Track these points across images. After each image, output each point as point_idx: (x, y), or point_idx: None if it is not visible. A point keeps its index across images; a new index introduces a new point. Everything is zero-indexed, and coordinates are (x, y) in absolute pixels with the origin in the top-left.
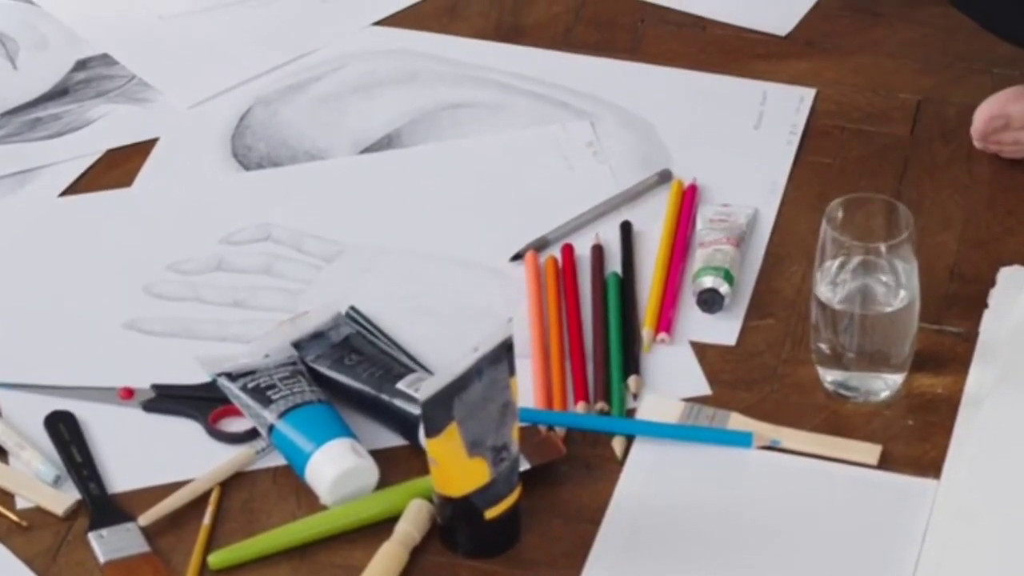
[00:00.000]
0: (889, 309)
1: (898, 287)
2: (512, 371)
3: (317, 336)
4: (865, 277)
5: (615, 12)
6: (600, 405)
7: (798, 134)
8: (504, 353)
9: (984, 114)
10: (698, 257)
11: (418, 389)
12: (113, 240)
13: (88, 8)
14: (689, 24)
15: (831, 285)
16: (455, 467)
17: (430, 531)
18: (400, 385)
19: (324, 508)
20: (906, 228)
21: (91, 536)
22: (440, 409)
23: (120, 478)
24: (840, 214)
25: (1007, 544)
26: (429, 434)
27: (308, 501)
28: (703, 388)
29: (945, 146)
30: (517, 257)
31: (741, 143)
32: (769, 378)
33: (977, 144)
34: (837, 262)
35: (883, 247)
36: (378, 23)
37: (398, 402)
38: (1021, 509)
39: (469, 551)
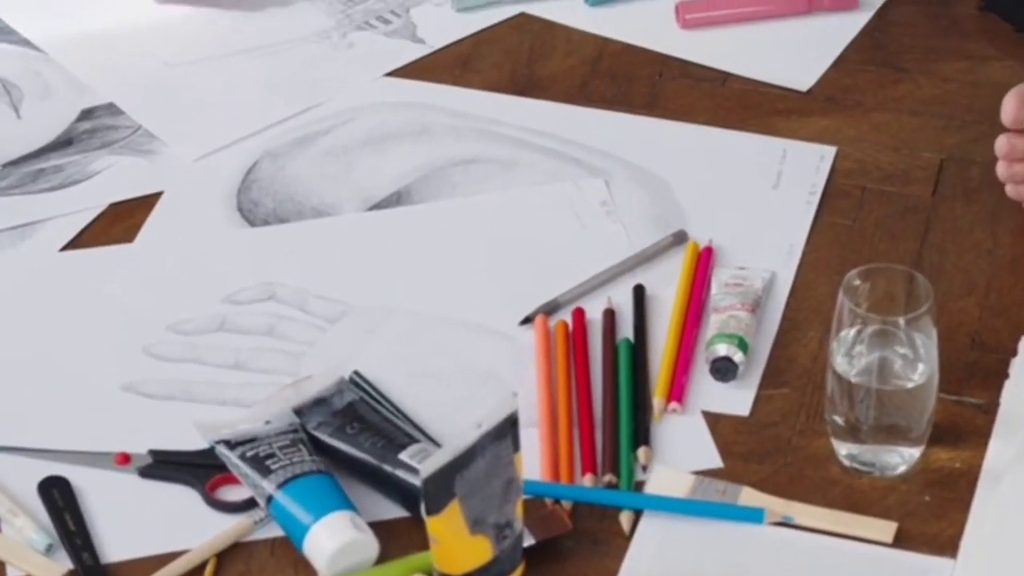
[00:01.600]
0: (908, 384)
1: (916, 360)
2: (517, 447)
3: (319, 402)
4: (883, 349)
5: (633, 65)
6: (608, 477)
7: (817, 194)
8: (509, 428)
9: (1018, 96)
10: (712, 323)
11: (421, 461)
12: (113, 298)
13: (95, 55)
14: (709, 78)
15: (847, 356)
16: (456, 545)
17: None
18: (403, 456)
19: None
20: (926, 301)
21: None
22: (441, 487)
23: (114, 547)
24: (858, 284)
25: None
26: (430, 512)
27: (307, 574)
28: (715, 460)
29: (968, 207)
30: (527, 321)
31: (759, 203)
32: (783, 450)
33: (1002, 155)
34: (854, 331)
35: (902, 320)
36: (390, 74)
37: (400, 473)
38: None
39: None
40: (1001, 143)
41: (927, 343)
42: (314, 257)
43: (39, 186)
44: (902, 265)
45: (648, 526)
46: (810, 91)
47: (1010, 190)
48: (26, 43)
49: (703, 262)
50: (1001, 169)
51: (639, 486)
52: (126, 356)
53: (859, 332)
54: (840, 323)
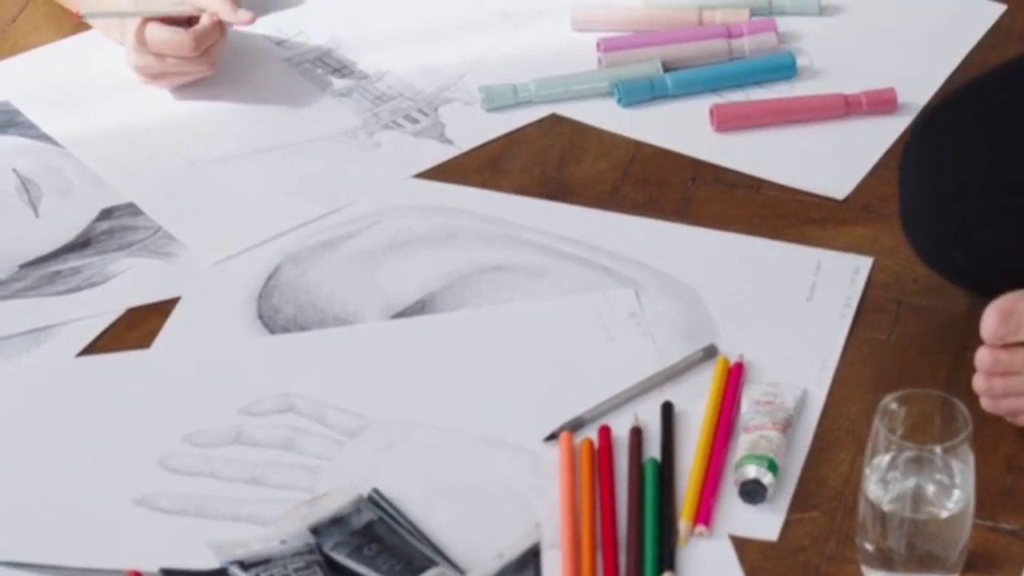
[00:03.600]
0: (943, 513)
1: (952, 487)
2: None
3: (337, 521)
4: (918, 475)
5: (665, 170)
6: None
7: (852, 307)
8: (531, 559)
9: (998, 312)
10: (741, 443)
11: None
12: (129, 406)
13: (117, 151)
14: (743, 184)
15: (881, 483)
16: None
17: None
18: None
19: None
20: (964, 428)
21: None
22: None
23: None
24: (894, 409)
25: None
26: None
27: None
28: None
29: None
30: (552, 437)
31: (792, 316)
32: None
33: (983, 368)
34: (888, 458)
35: (939, 449)
36: (417, 176)
37: None
38: None
39: None
40: (984, 356)
41: (964, 470)
42: (334, 367)
43: (55, 288)
44: (938, 388)
45: None
46: (847, 199)
47: (986, 404)
48: (47, 138)
49: (733, 378)
50: (979, 382)
51: None
52: (140, 468)
53: (894, 458)
54: (874, 449)
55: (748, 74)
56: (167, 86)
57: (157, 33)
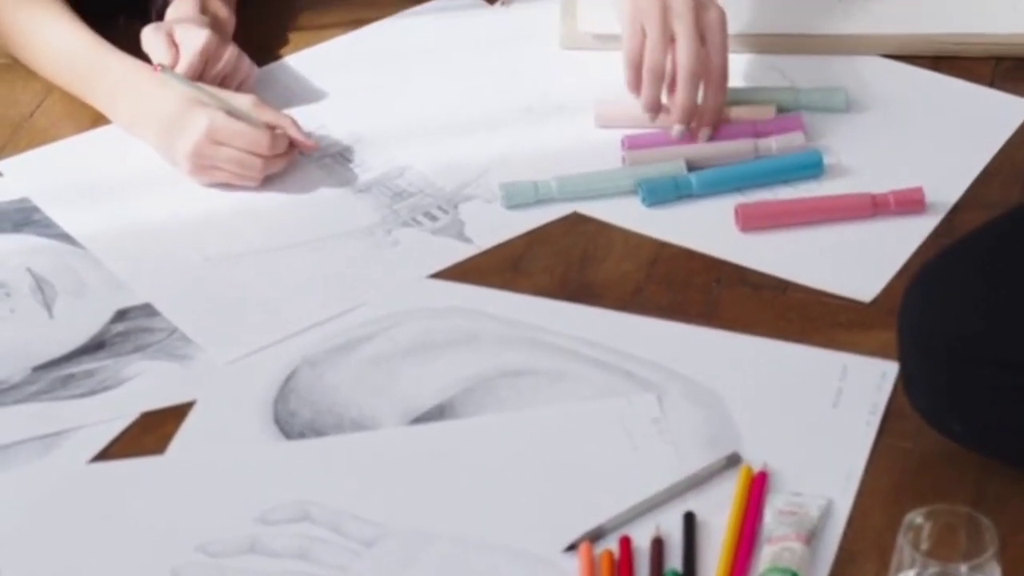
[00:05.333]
0: None
1: None
2: None
3: None
4: None
5: (689, 271)
6: None
7: (878, 415)
8: None
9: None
10: (765, 555)
11: None
12: (142, 514)
13: (133, 249)
14: (768, 286)
15: None
16: None
17: None
18: None
19: None
20: (991, 546)
21: None
22: None
23: None
24: (919, 524)
25: None
26: None
27: None
28: None
29: None
30: (571, 548)
31: (817, 423)
32: None
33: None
34: (913, 573)
35: (964, 567)
36: (435, 275)
37: None
38: None
39: None
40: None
41: None
42: (352, 474)
43: (69, 392)
44: (965, 497)
45: None
46: (874, 301)
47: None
48: (64, 237)
49: (757, 488)
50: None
51: None
52: None
53: (919, 574)
54: (899, 564)
55: (774, 173)
56: (210, 181)
57: (235, 124)
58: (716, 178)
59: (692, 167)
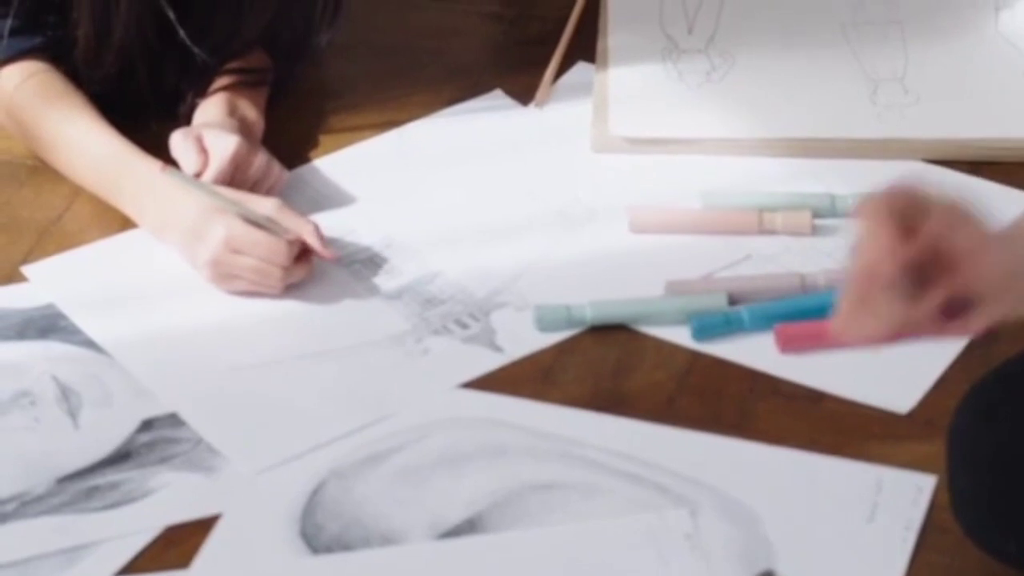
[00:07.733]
0: None
1: None
2: None
3: None
4: None
5: (723, 381)
6: None
7: (914, 530)
8: None
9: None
10: None
11: None
12: None
13: (159, 357)
14: (802, 397)
15: None
16: None
17: None
18: None
19: None
20: None
21: None
22: None
23: None
24: None
25: None
26: None
27: None
28: None
29: None
30: None
31: (852, 538)
32: None
33: None
34: None
35: None
36: (466, 384)
37: None
38: None
39: None
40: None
41: None
42: None
43: (92, 504)
44: None
45: None
46: (910, 413)
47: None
48: (89, 344)
49: None
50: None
51: None
52: None
53: None
54: None
55: (825, 310)
56: (232, 289)
57: (253, 232)
58: (768, 314)
59: (735, 300)
